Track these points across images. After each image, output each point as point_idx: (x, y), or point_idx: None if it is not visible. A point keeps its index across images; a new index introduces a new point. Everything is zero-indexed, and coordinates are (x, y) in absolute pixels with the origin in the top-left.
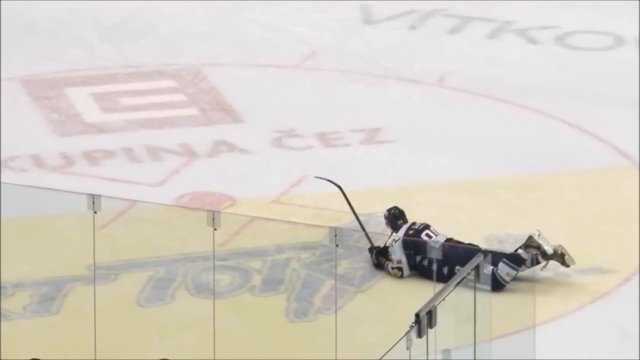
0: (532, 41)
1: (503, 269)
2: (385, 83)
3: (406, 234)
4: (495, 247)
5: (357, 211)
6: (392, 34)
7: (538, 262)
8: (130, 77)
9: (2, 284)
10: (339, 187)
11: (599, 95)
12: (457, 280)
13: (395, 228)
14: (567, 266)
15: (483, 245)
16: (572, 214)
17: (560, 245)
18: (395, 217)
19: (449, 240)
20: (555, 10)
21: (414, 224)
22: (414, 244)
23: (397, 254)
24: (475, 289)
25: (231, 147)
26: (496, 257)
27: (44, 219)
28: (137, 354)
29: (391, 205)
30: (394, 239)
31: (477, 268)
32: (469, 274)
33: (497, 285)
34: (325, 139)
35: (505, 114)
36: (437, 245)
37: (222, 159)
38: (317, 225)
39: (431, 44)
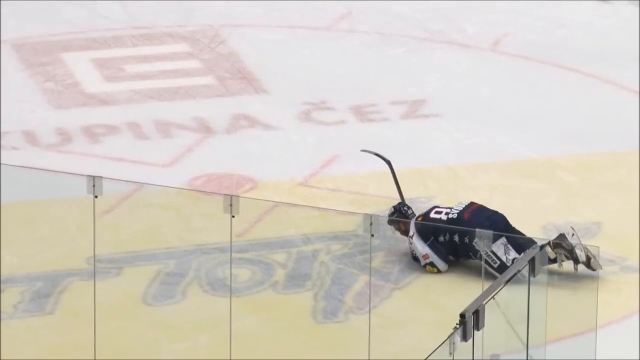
0: None
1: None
2: (431, 48)
3: (415, 223)
4: (555, 236)
5: (390, 197)
6: None
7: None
8: (138, 40)
9: None
10: (388, 162)
11: None
12: (509, 276)
13: (406, 215)
14: (593, 270)
15: (541, 236)
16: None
17: (586, 247)
18: (401, 213)
19: (470, 204)
20: None
21: (420, 214)
22: (429, 229)
23: (420, 249)
24: (529, 285)
25: (252, 122)
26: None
27: (38, 204)
28: (141, 357)
29: (425, 195)
30: (410, 237)
31: (532, 261)
32: (522, 268)
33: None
34: (360, 112)
35: (569, 84)
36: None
37: (242, 135)
38: (350, 212)
39: (484, 2)
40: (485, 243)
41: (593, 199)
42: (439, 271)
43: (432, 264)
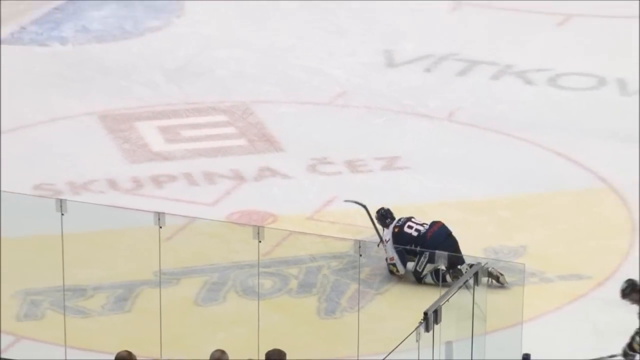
0: (529, 82)
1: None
2: (404, 118)
3: (393, 232)
4: (492, 256)
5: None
6: (410, 76)
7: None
8: (190, 113)
9: (84, 287)
10: (364, 206)
11: (583, 130)
12: (459, 285)
13: (385, 225)
14: (502, 285)
15: (482, 255)
16: (558, 229)
17: (493, 268)
18: (383, 217)
19: (433, 224)
20: (549, 55)
21: (398, 220)
22: (402, 238)
23: (390, 252)
24: (474, 291)
25: (274, 173)
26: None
27: (118, 233)
28: (195, 346)
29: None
30: (385, 238)
31: (477, 275)
32: (469, 279)
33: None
34: (352, 165)
35: (505, 145)
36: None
37: (266, 182)
38: (344, 238)
39: (443, 84)
40: (442, 260)
41: (522, 229)
42: (397, 272)
43: (394, 265)
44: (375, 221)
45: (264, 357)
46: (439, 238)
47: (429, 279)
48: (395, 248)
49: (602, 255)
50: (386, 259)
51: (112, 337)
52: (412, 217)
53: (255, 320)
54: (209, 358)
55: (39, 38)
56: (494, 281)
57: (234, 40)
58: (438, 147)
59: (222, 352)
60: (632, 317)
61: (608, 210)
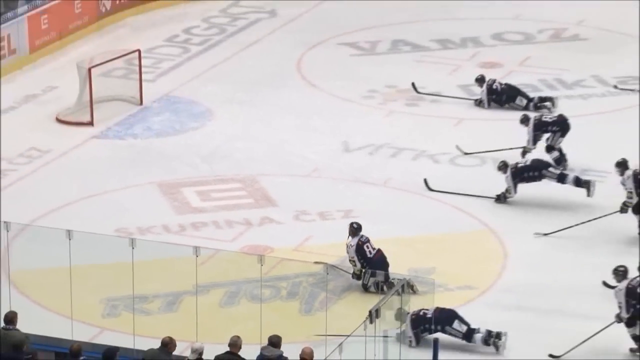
0: (436, 162)
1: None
2: (356, 185)
3: (358, 242)
4: (413, 274)
5: (337, 255)
6: (359, 158)
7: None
8: (217, 182)
9: (147, 296)
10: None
11: (472, 191)
12: (391, 293)
13: (354, 235)
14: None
15: (406, 273)
16: (456, 256)
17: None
18: (355, 229)
19: (377, 251)
20: (450, 145)
21: (362, 237)
22: (360, 250)
23: (352, 254)
24: (402, 297)
25: (271, 220)
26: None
27: (170, 260)
28: (219, 333)
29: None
30: (350, 244)
31: (403, 286)
32: (400, 288)
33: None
34: (322, 215)
35: (422, 202)
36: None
37: (266, 227)
38: (318, 262)
39: (381, 163)
40: (380, 276)
41: (432, 256)
42: (355, 266)
43: (353, 262)
44: (350, 230)
45: (266, 341)
46: (379, 261)
47: (372, 289)
48: (357, 253)
49: (484, 273)
50: (350, 260)
51: (165, 329)
52: (369, 241)
53: (258, 317)
54: (229, 341)
55: (119, 134)
56: (411, 289)
57: (247, 135)
58: (378, 204)
59: (238, 337)
60: (504, 314)
61: (488, 244)
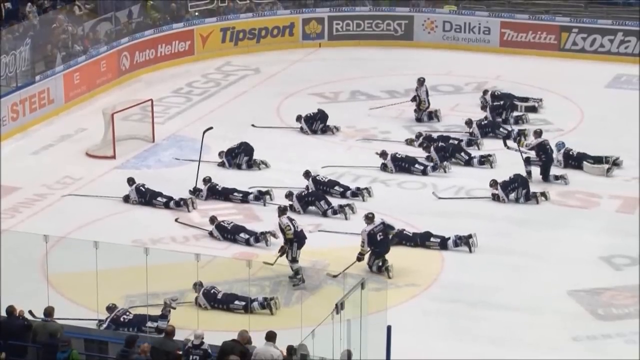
0: (387, 185)
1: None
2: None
3: (370, 231)
4: (369, 274)
5: (308, 260)
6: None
7: None
8: (213, 202)
9: (158, 293)
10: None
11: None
12: (353, 289)
13: (370, 222)
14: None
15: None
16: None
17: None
18: (370, 218)
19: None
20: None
21: (376, 225)
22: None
23: (363, 237)
24: (361, 291)
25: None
26: None
27: (176, 264)
28: (215, 323)
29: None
30: (365, 229)
31: (362, 283)
32: (360, 284)
33: None
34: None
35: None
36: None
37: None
38: (266, 263)
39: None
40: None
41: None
42: (363, 248)
43: (363, 245)
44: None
45: (253, 327)
46: (383, 243)
47: (374, 269)
48: (368, 237)
49: (426, 274)
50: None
51: (172, 320)
52: (381, 230)
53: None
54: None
55: (135, 165)
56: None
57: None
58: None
59: (246, 331)
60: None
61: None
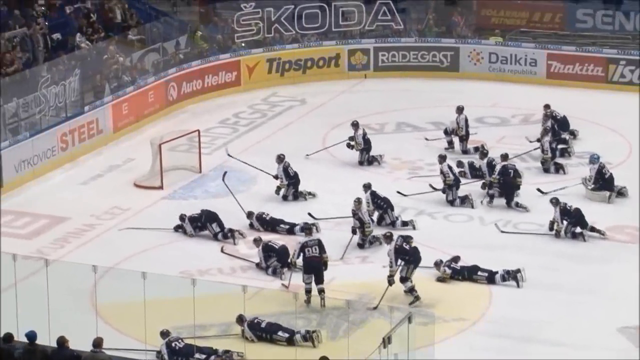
0: (433, 218)
1: None
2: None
3: (395, 246)
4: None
5: (356, 293)
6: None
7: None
8: (260, 234)
9: (205, 325)
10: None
11: None
12: (398, 324)
13: (389, 242)
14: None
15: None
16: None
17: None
18: (388, 237)
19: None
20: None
21: (398, 239)
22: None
23: (390, 256)
24: (408, 325)
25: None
26: None
27: (223, 295)
28: (262, 354)
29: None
30: (390, 248)
31: (409, 318)
32: (407, 319)
33: None
34: (344, 260)
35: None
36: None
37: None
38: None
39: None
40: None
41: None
42: (391, 267)
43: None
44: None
45: None
46: (415, 252)
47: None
48: (395, 252)
49: (474, 308)
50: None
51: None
52: (405, 240)
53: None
54: None
55: (183, 196)
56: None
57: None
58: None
59: None
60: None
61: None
